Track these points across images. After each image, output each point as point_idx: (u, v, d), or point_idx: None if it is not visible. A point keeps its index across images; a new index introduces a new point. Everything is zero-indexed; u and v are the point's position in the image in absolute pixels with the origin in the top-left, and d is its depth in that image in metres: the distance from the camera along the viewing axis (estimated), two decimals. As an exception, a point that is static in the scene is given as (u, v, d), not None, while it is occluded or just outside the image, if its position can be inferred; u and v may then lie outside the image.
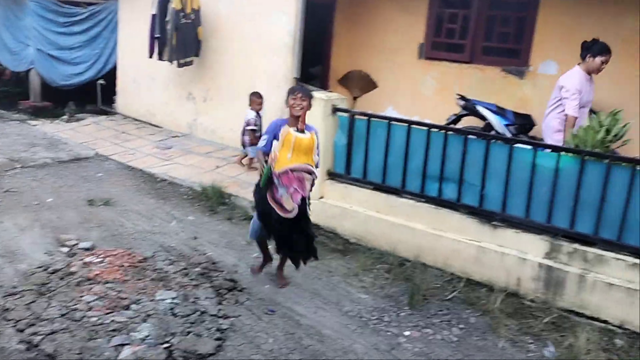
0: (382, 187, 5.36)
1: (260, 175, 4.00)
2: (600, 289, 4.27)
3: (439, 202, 5.05)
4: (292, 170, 3.84)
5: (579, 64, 5.60)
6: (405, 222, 5.15)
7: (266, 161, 3.98)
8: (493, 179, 4.78)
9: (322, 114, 5.46)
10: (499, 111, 6.65)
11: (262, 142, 4.18)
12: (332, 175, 5.68)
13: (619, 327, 4.21)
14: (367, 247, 5.29)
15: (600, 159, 4.35)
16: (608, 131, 4.58)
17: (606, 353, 3.92)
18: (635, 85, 6.17)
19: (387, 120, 5.28)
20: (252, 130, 7.15)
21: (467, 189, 4.93)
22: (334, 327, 4.03)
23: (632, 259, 4.24)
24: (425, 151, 5.05)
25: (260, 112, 7.25)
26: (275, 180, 3.86)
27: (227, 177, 6.89)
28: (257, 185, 4.10)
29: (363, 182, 5.48)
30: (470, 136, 4.92)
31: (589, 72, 5.57)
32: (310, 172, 3.93)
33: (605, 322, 4.26)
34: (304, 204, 4.02)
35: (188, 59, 8.30)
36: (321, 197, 5.66)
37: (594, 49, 5.49)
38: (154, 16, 8.16)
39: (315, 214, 5.66)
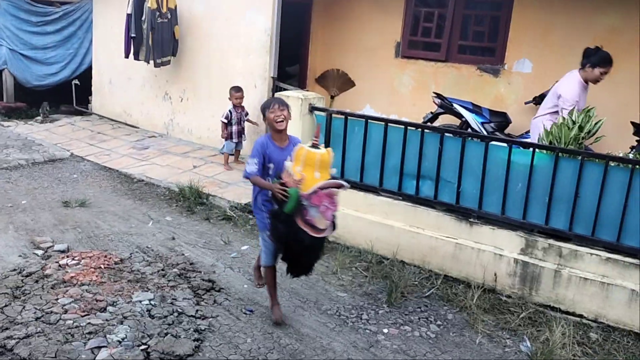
0: (359, 186, 5.37)
1: (281, 201, 3.60)
2: (575, 284, 4.34)
3: (416, 199, 5.09)
4: (322, 188, 3.55)
5: (579, 70, 5.42)
6: (383, 220, 5.17)
7: (283, 184, 3.62)
8: (469, 176, 4.82)
9: (299, 113, 5.45)
10: (475, 109, 6.71)
11: (252, 167, 3.82)
12: (310, 174, 5.67)
13: (594, 321, 4.29)
14: (346, 245, 5.30)
15: (574, 156, 4.41)
16: (581, 128, 4.65)
17: (581, 347, 3.98)
18: (609, 83, 6.26)
19: (364, 119, 5.30)
20: (224, 123, 7.20)
21: (444, 186, 4.96)
22: (312, 326, 4.03)
23: (605, 254, 4.31)
24: (402, 149, 5.07)
25: (240, 105, 7.22)
26: (305, 202, 3.54)
27: (205, 177, 6.85)
28: (277, 212, 3.68)
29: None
30: (446, 134, 4.96)
31: (587, 81, 5.42)
32: (340, 186, 3.62)
33: (580, 316, 4.33)
34: (333, 218, 3.71)
35: (165, 59, 8.23)
36: (299, 196, 5.65)
37: (593, 59, 5.31)
38: (129, 16, 8.07)
39: (294, 213, 5.68)
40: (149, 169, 7.14)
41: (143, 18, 7.90)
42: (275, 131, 3.87)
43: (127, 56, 8.32)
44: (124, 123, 9.37)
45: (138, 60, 8.22)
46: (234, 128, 7.22)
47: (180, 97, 8.57)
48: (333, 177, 3.67)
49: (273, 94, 7.05)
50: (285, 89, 6.78)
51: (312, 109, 5.51)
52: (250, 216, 5.91)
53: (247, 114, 7.35)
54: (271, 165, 3.86)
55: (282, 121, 3.82)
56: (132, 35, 8.09)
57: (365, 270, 4.92)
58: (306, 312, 4.23)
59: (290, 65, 9.19)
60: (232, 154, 7.41)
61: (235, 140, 7.28)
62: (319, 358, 3.67)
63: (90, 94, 10.01)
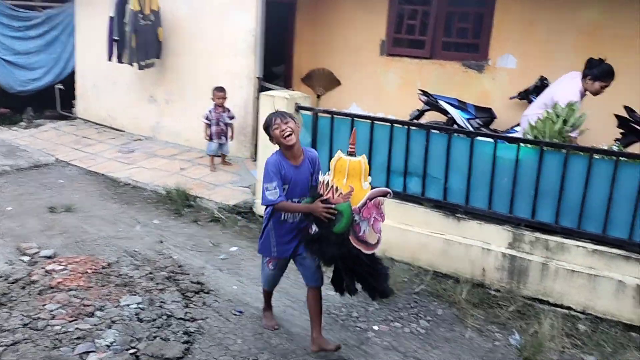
0: (347, 184, 5.37)
1: (328, 220, 3.25)
2: (563, 276, 4.37)
3: (404, 196, 5.09)
4: (370, 199, 3.23)
5: (581, 79, 5.23)
6: (371, 218, 5.16)
7: (325, 201, 3.28)
8: (456, 172, 4.84)
9: (285, 112, 5.45)
10: (461, 105, 6.74)
11: (274, 194, 3.41)
12: (297, 174, 5.67)
13: (582, 312, 4.32)
14: (335, 244, 5.29)
15: (558, 149, 4.44)
16: (565, 122, 4.68)
17: (570, 338, 4.02)
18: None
19: (351, 118, 5.30)
20: (205, 124, 7.11)
21: (431, 182, 4.98)
22: (302, 325, 4.02)
23: (592, 246, 4.35)
24: (389, 147, 5.08)
25: (221, 105, 7.12)
26: (356, 217, 3.23)
27: (192, 179, 6.82)
28: (323, 235, 3.31)
29: (328, 179, 5.48)
30: (432, 131, 4.97)
31: (586, 91, 5.25)
32: (387, 194, 3.31)
33: (568, 308, 4.36)
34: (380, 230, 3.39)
35: (149, 61, 8.19)
36: (287, 196, 5.65)
37: (595, 72, 5.14)
38: (111, 18, 8.02)
39: (282, 213, 5.67)
40: (136, 173, 7.10)
41: (126, 20, 7.86)
42: (285, 148, 3.49)
43: (110, 59, 8.27)
44: (109, 127, 9.31)
45: (121, 63, 8.17)
46: (213, 129, 7.12)
47: (166, 100, 8.54)
48: (373, 187, 3.35)
49: (258, 94, 7.03)
50: (270, 89, 6.77)
51: (298, 108, 5.51)
52: (239, 217, 5.90)
53: (232, 117, 7.23)
54: (286, 187, 3.49)
55: (290, 135, 3.41)
56: (115, 38, 8.05)
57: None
58: (296, 311, 4.22)
59: (276, 65, 9.18)
60: (218, 155, 7.33)
61: (215, 141, 7.17)
62: (309, 357, 3.67)
63: (75, 99, 9.93)
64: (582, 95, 5.27)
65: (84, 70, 9.65)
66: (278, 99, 5.55)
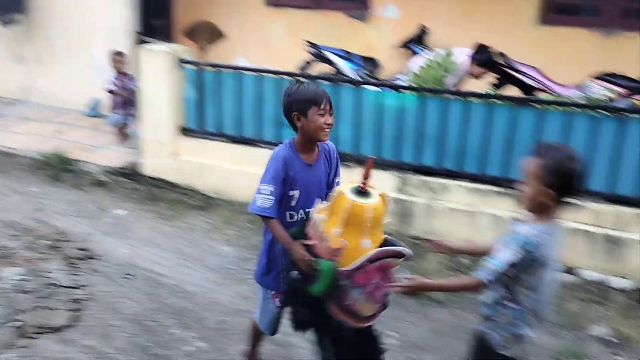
0: (238, 139, 5.31)
1: (306, 276, 2.36)
2: (446, 215, 4.63)
3: (295, 148, 5.11)
4: (372, 261, 2.32)
5: (471, 62, 5.53)
6: (263, 172, 5.14)
7: (309, 247, 2.37)
8: (345, 122, 4.91)
9: (167, 67, 5.25)
10: (347, 56, 6.79)
11: (267, 201, 2.52)
12: (185, 131, 5.51)
13: (465, 247, 4.61)
14: (229, 200, 5.24)
15: (439, 95, 4.62)
16: (446, 69, 4.88)
17: (454, 272, 4.29)
18: (467, 24, 6.57)
19: (237, 71, 5.19)
20: (109, 91, 6.55)
21: (320, 133, 5.02)
22: (198, 283, 3.98)
23: (471, 185, 4.62)
24: (277, 99, 5.04)
25: (122, 71, 6.55)
26: (344, 282, 2.33)
27: (71, 143, 6.39)
28: (298, 289, 2.44)
29: (218, 135, 5.39)
30: (320, 81, 4.98)
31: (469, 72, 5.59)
32: (400, 255, 2.40)
33: (452, 244, 4.63)
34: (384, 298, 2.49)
35: (11, 16, 7.47)
36: (176, 155, 5.50)
37: (477, 56, 5.48)
38: (-36, -31, 7.22)
39: (172, 173, 5.53)
40: (7, 139, 6.55)
41: (-19, -29, 7.10)
42: (308, 141, 2.56)
43: (-34, 15, 7.47)
44: (-27, 91, 8.49)
45: (-20, 18, 7.41)
46: (118, 99, 6.51)
47: (36, 59, 7.87)
48: (388, 241, 2.43)
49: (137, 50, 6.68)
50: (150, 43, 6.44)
51: (182, 62, 5.30)
52: (125, 180, 5.64)
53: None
54: (295, 194, 2.58)
55: (328, 132, 2.53)
56: (-29, -9, 7.27)
57: (250, 223, 4.89)
58: (191, 270, 4.17)
59: (156, 18, 8.71)
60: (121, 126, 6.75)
61: (120, 111, 6.51)
62: (207, 313, 3.64)
63: None
64: (465, 72, 5.51)
65: (-64, 28, 8.66)
66: (159, 54, 5.32)
